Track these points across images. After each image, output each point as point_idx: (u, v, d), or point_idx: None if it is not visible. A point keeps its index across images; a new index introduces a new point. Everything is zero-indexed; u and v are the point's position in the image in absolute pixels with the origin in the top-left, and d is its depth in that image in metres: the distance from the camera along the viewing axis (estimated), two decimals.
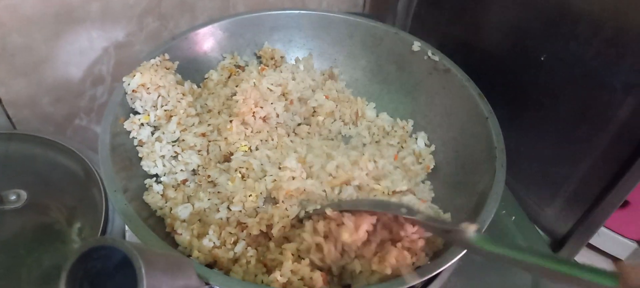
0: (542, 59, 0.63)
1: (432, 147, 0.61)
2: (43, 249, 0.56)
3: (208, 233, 0.46)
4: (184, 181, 0.53)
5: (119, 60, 0.69)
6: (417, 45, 0.64)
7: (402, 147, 0.62)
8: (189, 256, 0.46)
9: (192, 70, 0.63)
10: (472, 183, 0.53)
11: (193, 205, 0.50)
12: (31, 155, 0.62)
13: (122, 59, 0.69)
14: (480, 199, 0.50)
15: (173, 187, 0.52)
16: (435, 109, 0.62)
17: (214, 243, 0.46)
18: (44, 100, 0.67)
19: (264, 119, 0.58)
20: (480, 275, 0.55)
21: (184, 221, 0.48)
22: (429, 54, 0.63)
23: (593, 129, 0.60)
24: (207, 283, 0.41)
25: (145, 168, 0.53)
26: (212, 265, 0.46)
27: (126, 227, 0.55)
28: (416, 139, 0.62)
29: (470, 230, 0.38)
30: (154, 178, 0.53)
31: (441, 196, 0.56)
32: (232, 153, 0.55)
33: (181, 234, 0.46)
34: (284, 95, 0.61)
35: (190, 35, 0.62)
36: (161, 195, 0.52)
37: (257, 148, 0.56)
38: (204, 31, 0.63)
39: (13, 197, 0.56)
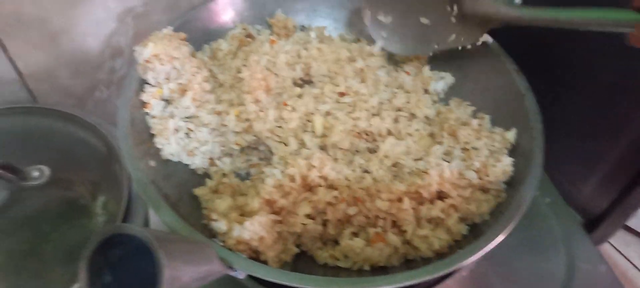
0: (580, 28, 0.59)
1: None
2: (68, 225, 0.57)
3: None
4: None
5: (137, 32, 0.67)
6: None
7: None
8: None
9: (211, 42, 0.61)
10: None
11: (234, 199, 0.48)
12: (52, 130, 0.62)
13: (140, 30, 0.67)
14: (515, 183, 0.48)
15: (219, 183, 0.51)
16: (468, 85, 0.59)
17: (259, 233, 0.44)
18: (63, 73, 0.66)
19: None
20: (510, 260, 0.54)
21: (222, 213, 0.46)
22: None
23: (633, 102, 0.56)
24: (230, 267, 0.40)
25: (159, 146, 0.51)
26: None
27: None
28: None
29: None
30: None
31: None
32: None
33: (216, 220, 0.45)
34: (307, 74, 0.59)
35: (209, 5, 0.59)
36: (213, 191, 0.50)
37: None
38: (224, 1, 0.60)
39: (36, 174, 0.55)
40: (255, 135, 0.53)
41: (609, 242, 0.80)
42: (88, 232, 0.55)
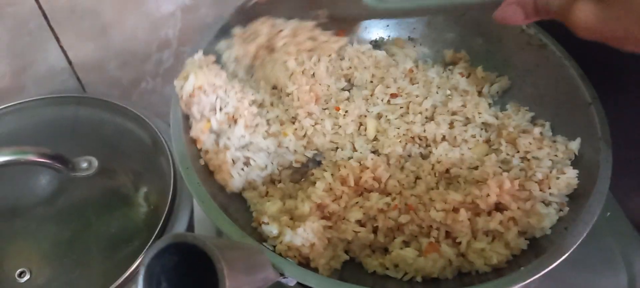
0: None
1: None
2: (110, 214, 0.57)
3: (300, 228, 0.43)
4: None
5: (185, 25, 0.66)
6: None
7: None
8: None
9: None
10: None
11: (283, 203, 0.47)
12: (100, 120, 0.62)
13: (188, 23, 0.66)
14: (577, 196, 0.45)
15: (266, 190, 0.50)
16: (525, 90, 0.56)
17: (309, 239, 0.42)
18: (111, 64, 0.66)
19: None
20: (567, 277, 0.51)
21: (272, 217, 0.45)
22: (523, 26, 0.55)
23: None
24: (281, 274, 0.39)
25: (221, 182, 0.47)
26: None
27: (195, 202, 0.54)
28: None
29: None
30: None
31: None
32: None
33: (267, 223, 0.43)
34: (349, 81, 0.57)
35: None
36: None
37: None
38: None
39: (85, 165, 0.56)
40: (315, 150, 0.52)
41: None
42: (129, 222, 0.55)
